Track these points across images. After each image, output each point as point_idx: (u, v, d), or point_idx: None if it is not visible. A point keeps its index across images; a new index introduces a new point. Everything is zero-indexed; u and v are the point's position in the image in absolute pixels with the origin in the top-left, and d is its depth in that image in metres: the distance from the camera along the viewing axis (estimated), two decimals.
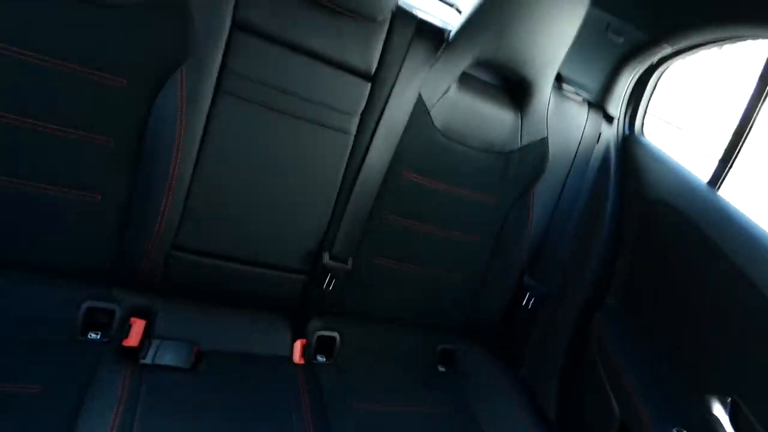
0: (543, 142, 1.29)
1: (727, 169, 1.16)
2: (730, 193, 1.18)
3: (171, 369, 1.03)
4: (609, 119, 1.39)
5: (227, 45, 0.99)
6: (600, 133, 1.38)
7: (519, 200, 1.33)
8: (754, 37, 1.08)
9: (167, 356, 1.05)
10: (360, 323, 1.34)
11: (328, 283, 1.18)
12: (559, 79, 1.41)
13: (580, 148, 1.36)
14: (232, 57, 1.00)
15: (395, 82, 1.10)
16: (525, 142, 1.27)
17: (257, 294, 1.20)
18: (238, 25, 0.99)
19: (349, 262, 1.19)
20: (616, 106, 1.38)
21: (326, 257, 1.16)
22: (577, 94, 1.38)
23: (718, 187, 1.16)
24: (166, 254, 1.08)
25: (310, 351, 1.24)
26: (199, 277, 1.13)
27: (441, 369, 1.43)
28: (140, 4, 0.92)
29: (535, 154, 1.29)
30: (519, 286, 1.41)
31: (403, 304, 1.36)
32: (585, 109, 1.36)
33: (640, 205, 1.28)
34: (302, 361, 1.22)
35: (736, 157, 1.14)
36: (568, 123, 1.34)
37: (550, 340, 1.37)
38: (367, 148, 1.12)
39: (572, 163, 1.37)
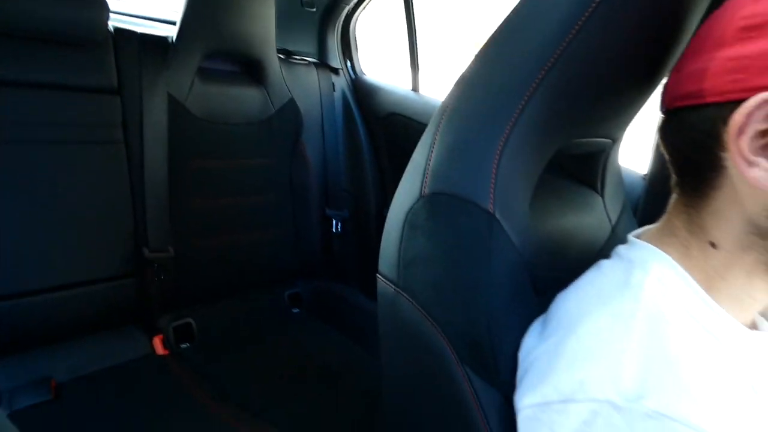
0: (291, 102, 1.53)
1: (415, 79, 1.55)
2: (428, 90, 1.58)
3: (33, 408, 1.03)
4: (335, 71, 1.69)
5: None
6: (333, 83, 1.68)
7: (294, 153, 1.57)
8: None
9: (22, 399, 1.04)
10: (209, 302, 1.44)
11: (158, 275, 1.27)
12: (286, 52, 1.67)
13: (322, 98, 1.65)
14: None
15: (141, 89, 1.22)
16: (277, 106, 1.50)
17: (96, 313, 1.23)
18: None
19: (171, 250, 1.29)
20: (335, 59, 1.69)
21: (146, 252, 1.24)
22: (303, 59, 1.66)
23: (417, 90, 1.56)
24: None
25: (170, 342, 1.32)
26: (29, 318, 1.12)
27: (295, 311, 1.62)
28: None
29: (289, 114, 1.53)
30: (325, 219, 1.66)
31: (239, 272, 1.50)
32: (313, 69, 1.64)
33: (379, 122, 1.62)
34: (167, 352, 1.29)
35: (417, 70, 1.54)
36: (305, 83, 1.61)
37: (362, 249, 1.66)
38: (142, 150, 1.23)
39: (322, 111, 1.64)
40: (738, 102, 0.33)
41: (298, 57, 1.65)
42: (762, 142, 0.33)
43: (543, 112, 0.45)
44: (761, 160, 0.33)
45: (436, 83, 1.63)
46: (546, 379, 0.36)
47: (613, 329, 0.35)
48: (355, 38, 1.71)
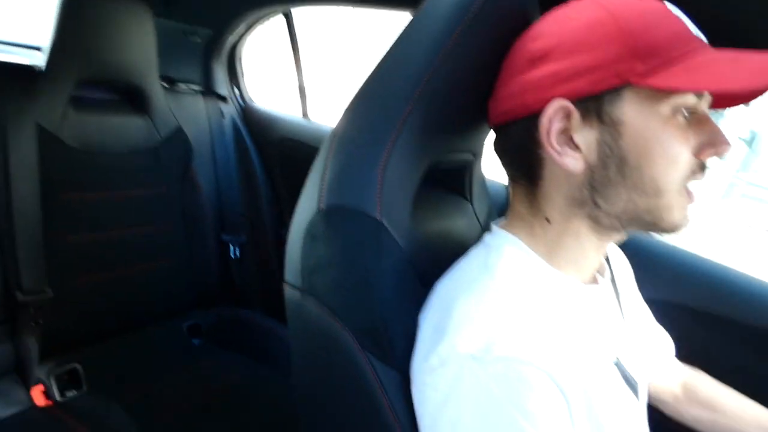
0: (179, 131, 1.49)
1: (304, 105, 1.62)
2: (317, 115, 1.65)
3: None
4: (223, 99, 1.69)
5: None
6: (222, 111, 1.67)
7: (185, 181, 1.52)
8: (269, 16, 1.52)
9: None
10: (99, 343, 1.32)
11: (35, 319, 1.14)
12: (170, 80, 1.63)
13: (211, 126, 1.63)
14: None
15: (5, 122, 1.12)
16: (164, 135, 1.45)
17: None
18: None
19: (48, 290, 1.17)
20: (222, 87, 1.68)
21: (19, 295, 1.11)
22: (189, 87, 1.63)
23: (307, 116, 1.62)
24: None
25: (51, 392, 1.18)
26: None
27: (195, 342, 1.55)
28: None
29: (177, 142, 1.49)
30: (221, 245, 1.63)
31: (131, 308, 1.40)
32: (200, 97, 1.62)
33: (271, 147, 1.64)
34: (50, 403, 1.16)
35: (305, 97, 1.60)
36: (192, 111, 1.58)
37: (262, 272, 1.65)
38: (8, 186, 1.11)
39: (212, 139, 1.62)
40: (541, 111, 0.45)
41: (183, 85, 1.61)
42: (565, 136, 0.45)
43: (416, 134, 0.54)
44: (567, 150, 0.45)
45: (326, 109, 1.71)
46: (431, 351, 0.44)
47: (475, 304, 0.44)
48: (242, 67, 1.73)
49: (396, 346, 0.48)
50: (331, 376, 0.53)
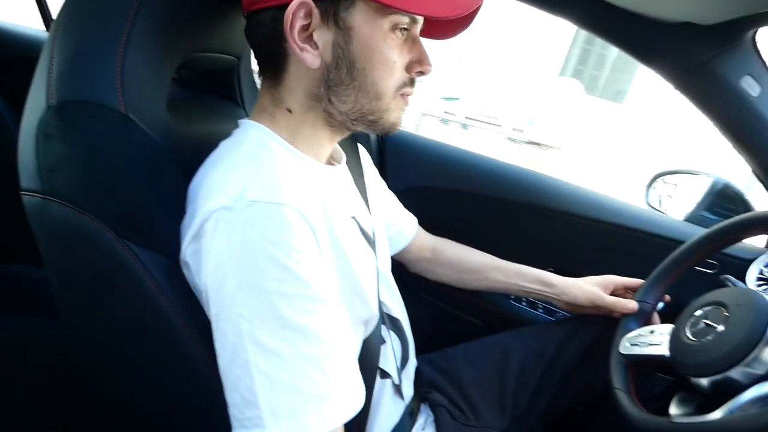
0: None
1: (45, 15, 1.32)
2: None
3: None
4: None
5: None
6: None
7: None
8: None
9: None
10: None
11: None
12: None
13: None
14: None
15: None
16: None
17: None
18: None
19: None
20: None
21: None
22: None
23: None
24: None
25: None
26: None
27: None
28: None
29: None
30: None
31: None
32: None
33: (8, 70, 1.31)
34: None
35: (45, 6, 1.31)
36: None
37: (22, 217, 1.39)
38: None
39: None
40: (288, 4, 0.47)
41: None
42: (306, 33, 0.49)
43: (155, 24, 0.51)
44: (307, 46, 0.49)
45: None
46: (191, 223, 0.46)
47: (224, 172, 0.48)
48: None
49: (161, 231, 0.49)
50: (94, 277, 0.52)
